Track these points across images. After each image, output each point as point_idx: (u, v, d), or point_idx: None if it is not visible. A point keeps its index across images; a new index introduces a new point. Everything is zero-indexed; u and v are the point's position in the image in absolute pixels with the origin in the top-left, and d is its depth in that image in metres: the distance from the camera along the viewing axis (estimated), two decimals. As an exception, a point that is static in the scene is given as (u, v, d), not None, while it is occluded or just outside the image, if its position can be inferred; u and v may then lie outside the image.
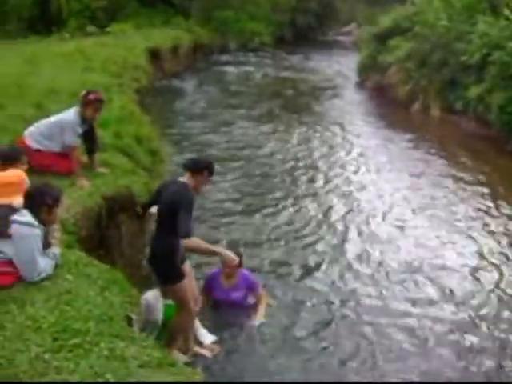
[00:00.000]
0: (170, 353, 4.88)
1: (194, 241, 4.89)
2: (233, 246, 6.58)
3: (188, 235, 4.80)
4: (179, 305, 5.03)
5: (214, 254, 5.21)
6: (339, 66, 25.63)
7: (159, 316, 4.97)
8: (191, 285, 5.13)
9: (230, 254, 5.21)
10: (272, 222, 8.35)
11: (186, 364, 3.76)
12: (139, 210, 5.63)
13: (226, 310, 5.96)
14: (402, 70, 17.63)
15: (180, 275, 4.89)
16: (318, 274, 6.97)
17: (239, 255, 5.83)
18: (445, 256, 7.59)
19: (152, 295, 5.03)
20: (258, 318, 5.85)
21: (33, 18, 23.74)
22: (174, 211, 4.73)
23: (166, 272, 4.88)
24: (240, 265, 5.88)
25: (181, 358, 5.18)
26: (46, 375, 2.94)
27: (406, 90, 17.12)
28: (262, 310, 5.96)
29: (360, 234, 8.19)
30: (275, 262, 7.23)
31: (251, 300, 6.02)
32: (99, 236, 5.67)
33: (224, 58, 26.95)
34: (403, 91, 17.22)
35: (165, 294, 5.05)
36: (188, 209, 4.78)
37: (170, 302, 5.10)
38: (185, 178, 4.93)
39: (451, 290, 6.72)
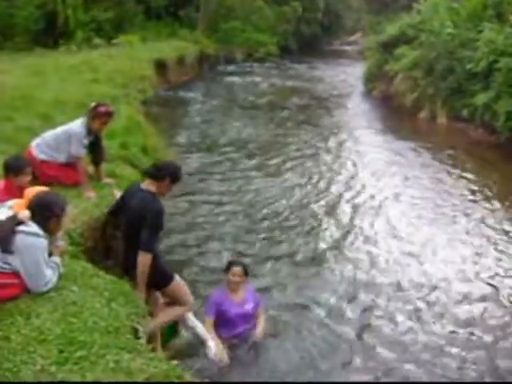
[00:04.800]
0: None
1: (148, 260, 4.57)
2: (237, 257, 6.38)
3: (149, 250, 4.57)
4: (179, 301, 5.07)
5: (142, 284, 4.66)
6: (345, 76, 25.68)
7: None
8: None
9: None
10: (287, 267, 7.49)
11: (193, 375, 3.70)
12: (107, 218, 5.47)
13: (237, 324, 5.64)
14: (409, 78, 17.62)
15: (171, 275, 4.94)
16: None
17: (244, 267, 5.72)
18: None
19: None
20: (259, 335, 5.59)
21: (39, 31, 23.84)
22: (141, 221, 4.56)
23: (157, 278, 4.81)
24: (246, 274, 5.75)
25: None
26: (51, 388, 2.91)
27: (412, 99, 17.11)
28: (261, 326, 5.67)
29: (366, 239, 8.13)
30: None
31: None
32: (105, 247, 5.65)
33: (230, 68, 27.06)
34: (410, 99, 17.22)
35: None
36: (155, 221, 4.59)
37: None
38: (147, 185, 4.74)
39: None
